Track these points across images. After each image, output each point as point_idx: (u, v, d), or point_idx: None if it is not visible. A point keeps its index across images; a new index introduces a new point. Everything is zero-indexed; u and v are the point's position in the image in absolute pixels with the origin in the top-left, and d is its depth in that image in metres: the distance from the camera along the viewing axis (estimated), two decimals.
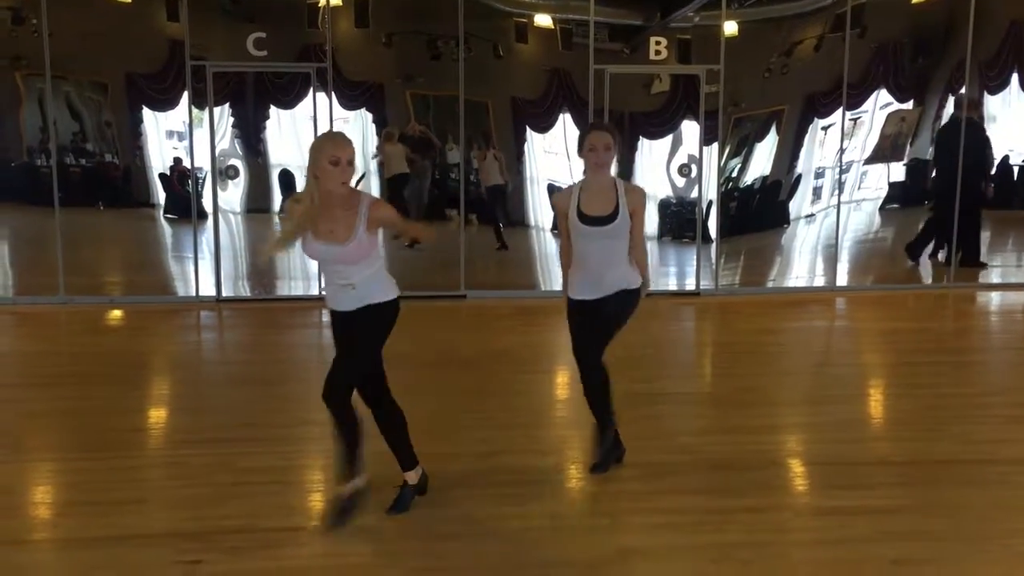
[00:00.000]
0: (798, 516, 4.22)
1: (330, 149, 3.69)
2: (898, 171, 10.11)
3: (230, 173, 9.28)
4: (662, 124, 9.77)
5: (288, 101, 9.43)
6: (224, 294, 9.12)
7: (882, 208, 10.13)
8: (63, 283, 8.91)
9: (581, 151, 4.35)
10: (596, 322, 4.34)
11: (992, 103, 9.98)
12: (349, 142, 3.77)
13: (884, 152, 9.95)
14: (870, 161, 9.92)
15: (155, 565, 3.63)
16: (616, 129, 4.59)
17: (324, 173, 3.70)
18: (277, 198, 9.67)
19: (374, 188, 9.61)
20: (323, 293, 4.09)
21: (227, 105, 9.23)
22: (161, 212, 9.57)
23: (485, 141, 9.53)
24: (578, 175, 4.61)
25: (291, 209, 3.86)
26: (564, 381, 6.27)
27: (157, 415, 5.93)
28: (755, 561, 3.70)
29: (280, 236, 4.10)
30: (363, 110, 9.59)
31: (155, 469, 4.82)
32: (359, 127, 9.53)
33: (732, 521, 4.05)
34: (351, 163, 3.75)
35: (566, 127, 9.59)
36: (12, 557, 3.82)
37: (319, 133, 3.95)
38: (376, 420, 4.01)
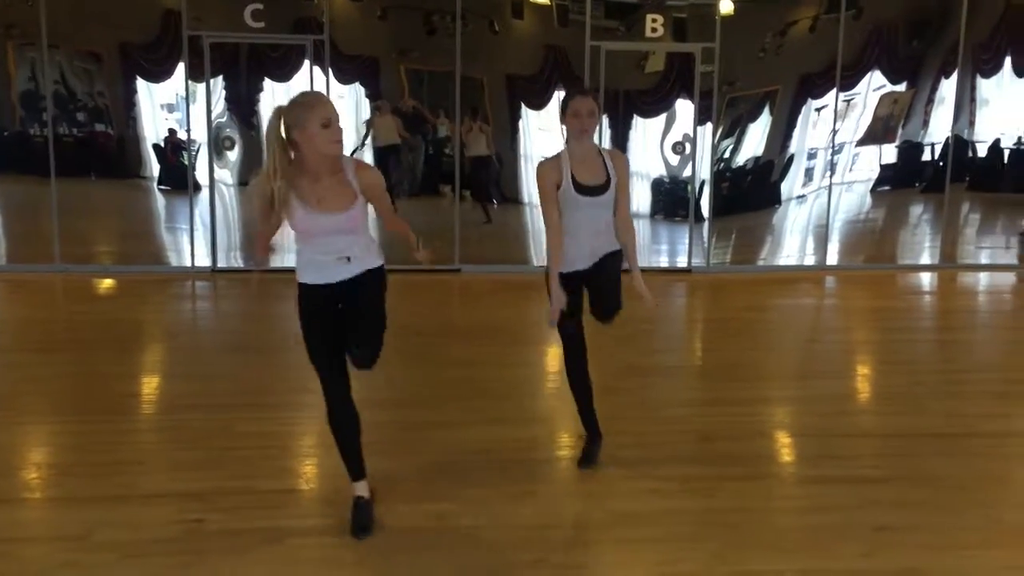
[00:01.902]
0: (784, 484, 4.34)
1: (320, 110, 3.35)
2: (890, 153, 10.18)
3: (226, 144, 9.31)
4: (656, 102, 9.81)
5: (283, 74, 9.42)
6: (219, 265, 9.17)
7: (873, 190, 10.21)
8: (59, 252, 8.95)
9: (564, 117, 4.11)
10: (594, 285, 4.18)
11: (985, 87, 10.04)
12: (330, 101, 3.48)
13: (876, 134, 10.02)
14: (862, 143, 9.99)
15: (157, 523, 3.71)
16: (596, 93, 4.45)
17: (314, 137, 3.35)
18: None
19: (367, 157, 9.63)
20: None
21: (220, 77, 9.23)
22: (155, 184, 9.58)
23: (472, 113, 9.55)
24: None
25: (265, 190, 3.41)
26: (557, 353, 6.36)
27: (155, 381, 6.01)
28: (742, 525, 3.81)
29: (263, 232, 3.64)
30: (357, 84, 9.60)
31: (154, 433, 4.90)
32: (353, 101, 9.55)
33: (720, 488, 4.15)
34: (338, 121, 3.43)
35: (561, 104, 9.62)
36: (16, 514, 3.92)
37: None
38: (335, 420, 3.71)
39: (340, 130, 3.43)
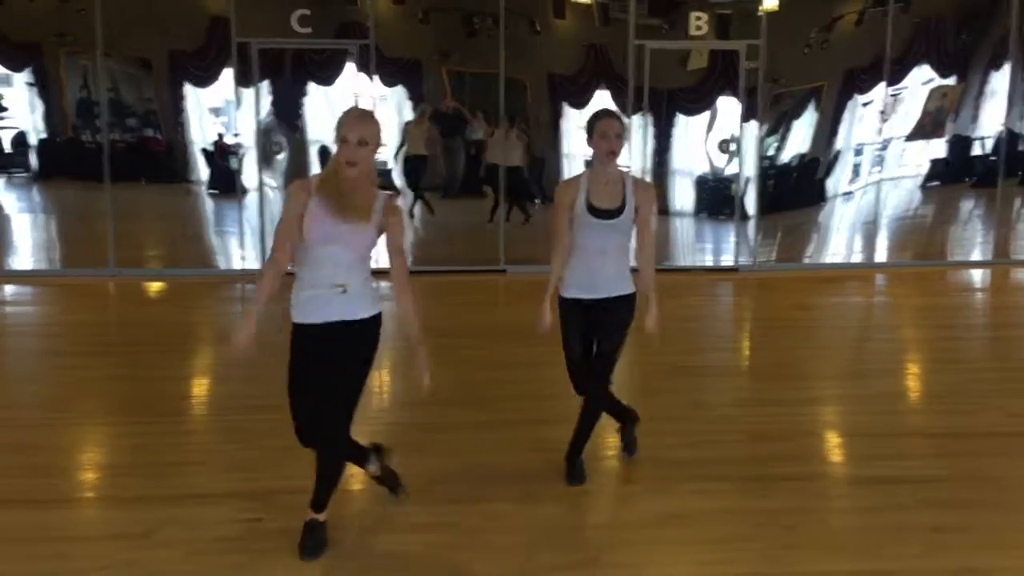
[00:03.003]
0: (837, 484, 4.31)
1: (344, 127, 3.28)
2: (939, 148, 10.02)
3: (275, 148, 9.42)
4: (699, 100, 9.76)
5: (326, 78, 9.52)
6: None
7: (922, 185, 10.06)
8: (113, 256, 9.14)
9: (590, 140, 4.00)
10: (595, 333, 4.08)
11: None
12: (365, 121, 3.33)
13: (925, 129, 9.87)
14: (911, 138, 9.86)
15: (217, 522, 3.79)
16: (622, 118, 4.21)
17: (337, 153, 3.33)
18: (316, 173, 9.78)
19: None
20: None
21: (266, 82, 9.35)
22: (204, 188, 9.73)
23: (510, 121, 9.51)
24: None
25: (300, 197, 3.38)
26: None
27: (208, 383, 6.11)
28: (797, 526, 3.79)
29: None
30: (400, 86, 9.67)
31: (210, 434, 4.99)
32: (395, 103, 9.62)
33: (772, 488, 4.14)
34: (362, 143, 3.27)
35: (603, 104, 9.61)
36: (78, 513, 4.03)
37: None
38: (324, 456, 3.58)
39: (361, 152, 3.28)
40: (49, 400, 5.49)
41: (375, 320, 3.50)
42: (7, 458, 4.51)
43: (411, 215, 9.97)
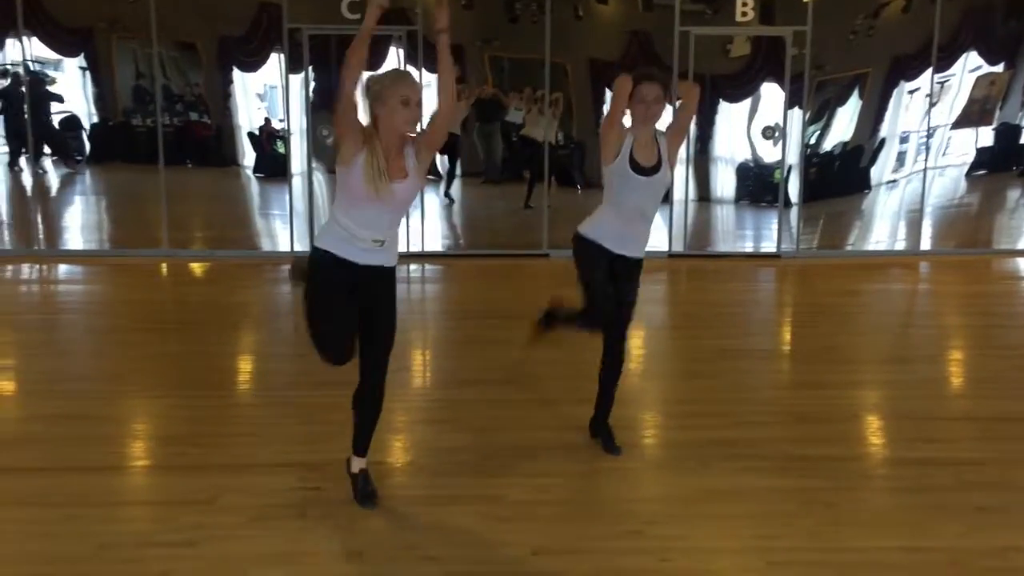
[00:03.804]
0: (881, 465, 4.38)
1: (402, 88, 3.44)
2: (987, 136, 9.94)
3: (323, 134, 9.58)
4: (742, 87, 9.75)
5: (371, 64, 9.61)
6: None
7: (968, 174, 9.99)
8: (167, 237, 9.37)
9: (630, 103, 4.04)
10: (619, 289, 4.23)
11: None
12: (414, 80, 3.55)
13: (972, 117, 9.79)
14: (957, 126, 9.78)
15: (279, 490, 3.94)
16: (666, 78, 4.21)
17: (392, 113, 3.44)
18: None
19: None
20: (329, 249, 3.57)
21: (310, 68, 9.47)
22: (251, 171, 9.91)
23: (533, 94, 9.54)
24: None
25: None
26: (644, 336, 6.44)
27: (262, 359, 6.28)
28: (839, 504, 3.86)
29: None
30: None
31: (266, 408, 5.14)
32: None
33: (816, 468, 4.21)
34: (418, 104, 3.50)
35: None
36: (142, 479, 4.24)
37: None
38: (363, 394, 3.78)
39: (419, 111, 3.49)
40: (109, 374, 5.71)
41: (395, 269, 3.69)
42: (72, 428, 4.69)
43: (449, 198, 10.11)
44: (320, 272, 3.57)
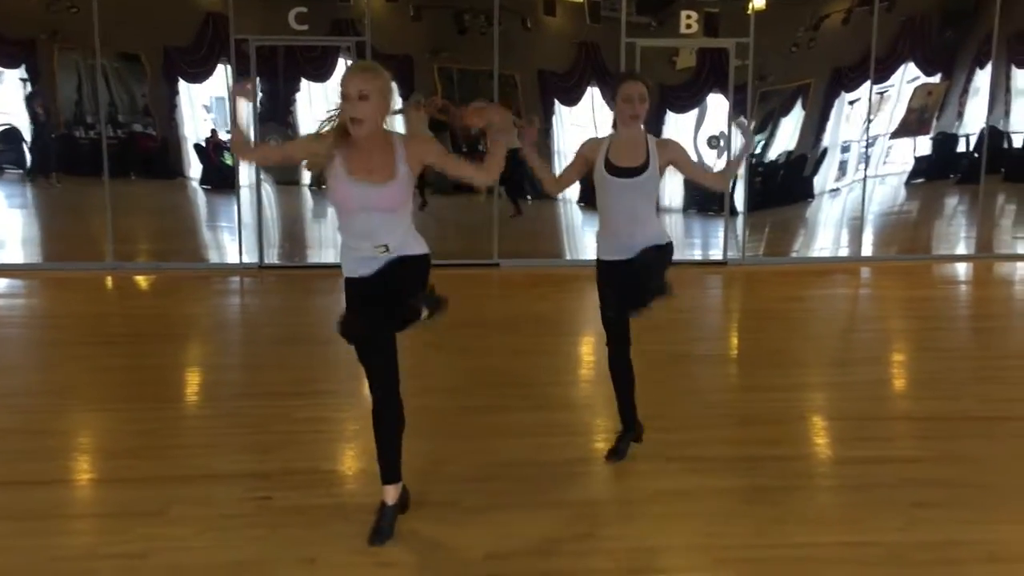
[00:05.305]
0: (823, 464, 4.49)
1: (345, 81, 3.27)
2: (924, 145, 10.22)
3: (272, 143, 9.51)
4: (688, 98, 9.92)
5: (319, 74, 9.63)
6: (266, 261, 9.42)
7: (908, 182, 10.26)
8: (112, 250, 9.24)
9: (613, 103, 4.03)
10: (628, 276, 4.05)
11: (1020, 77, 10.05)
12: (365, 73, 3.30)
13: (910, 126, 10.07)
14: (896, 135, 10.05)
15: (228, 500, 3.93)
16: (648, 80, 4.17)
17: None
18: (307, 172, 9.88)
19: None
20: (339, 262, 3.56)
21: (259, 79, 9.42)
22: (197, 183, 9.82)
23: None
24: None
25: (314, 146, 3.41)
26: (596, 342, 6.52)
27: (211, 371, 6.23)
28: (783, 502, 3.96)
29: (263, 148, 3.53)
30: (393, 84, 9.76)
31: (215, 419, 5.11)
32: None
33: (762, 468, 4.31)
34: (363, 97, 3.23)
35: (594, 100, 9.77)
36: (96, 491, 4.20)
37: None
38: (380, 415, 3.57)
39: (366, 107, 3.24)
40: (56, 387, 5.62)
41: (426, 256, 3.53)
42: (19, 442, 4.63)
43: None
44: (347, 294, 3.52)
